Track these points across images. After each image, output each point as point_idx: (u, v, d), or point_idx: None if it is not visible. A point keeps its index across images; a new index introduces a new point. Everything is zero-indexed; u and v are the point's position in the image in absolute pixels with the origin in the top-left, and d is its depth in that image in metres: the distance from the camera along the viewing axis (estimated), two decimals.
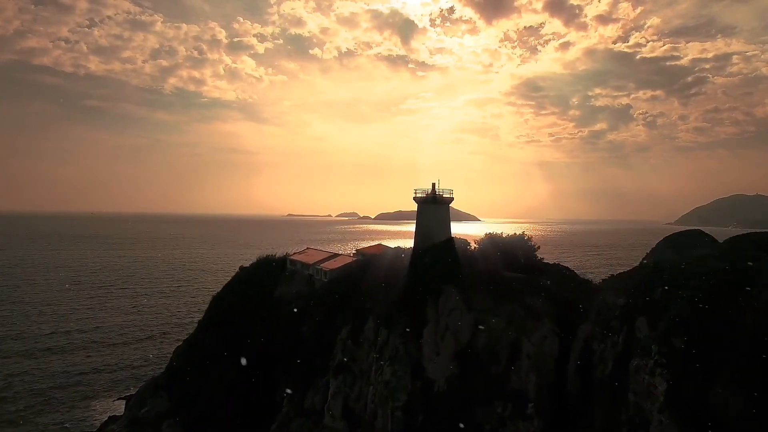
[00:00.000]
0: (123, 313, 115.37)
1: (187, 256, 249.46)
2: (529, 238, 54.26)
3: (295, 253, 62.04)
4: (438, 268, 37.57)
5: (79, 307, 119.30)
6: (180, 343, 67.09)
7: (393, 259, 45.60)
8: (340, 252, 60.88)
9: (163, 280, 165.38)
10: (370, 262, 46.74)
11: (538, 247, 54.98)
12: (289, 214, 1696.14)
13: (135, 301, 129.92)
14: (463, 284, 36.51)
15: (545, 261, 56.24)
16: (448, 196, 44.85)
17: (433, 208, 44.04)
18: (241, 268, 62.46)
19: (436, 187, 44.47)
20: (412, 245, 58.51)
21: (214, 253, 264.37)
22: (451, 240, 42.55)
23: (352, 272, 46.08)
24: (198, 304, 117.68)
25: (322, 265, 51.86)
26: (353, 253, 66.61)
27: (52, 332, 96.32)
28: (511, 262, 49.68)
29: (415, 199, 45.26)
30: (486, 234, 57.09)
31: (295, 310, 46.77)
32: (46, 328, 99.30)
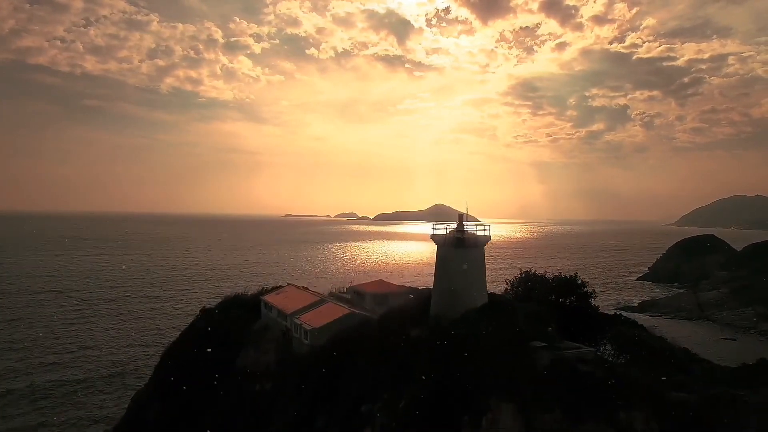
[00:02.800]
0: (96, 337, 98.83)
1: (180, 260, 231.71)
2: (583, 282, 40.50)
3: (271, 293, 47.91)
4: (476, 364, 23.49)
5: (44, 332, 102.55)
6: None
7: (403, 319, 31.47)
8: (327, 297, 46.15)
9: (149, 292, 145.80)
10: (371, 322, 32.54)
11: (594, 295, 41.23)
12: (288, 215, 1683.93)
13: (112, 322, 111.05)
14: (516, 387, 22.56)
15: (598, 307, 42.69)
16: (483, 233, 30.62)
17: (462, 254, 29.03)
18: (203, 311, 48.38)
19: (465, 218, 29.85)
20: (417, 286, 44.97)
21: (207, 258, 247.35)
22: (493, 307, 28.09)
23: (343, 334, 32.00)
24: (182, 326, 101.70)
25: (302, 317, 37.90)
26: (346, 289, 52.68)
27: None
28: (558, 312, 36.26)
29: (433, 238, 30.83)
30: (522, 271, 43.43)
31: (258, 385, 32.80)
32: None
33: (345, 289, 52.69)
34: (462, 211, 32.01)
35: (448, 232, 30.13)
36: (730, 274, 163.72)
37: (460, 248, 29.57)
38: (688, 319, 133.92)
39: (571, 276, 40.31)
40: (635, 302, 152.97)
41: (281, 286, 51.29)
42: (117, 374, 79.73)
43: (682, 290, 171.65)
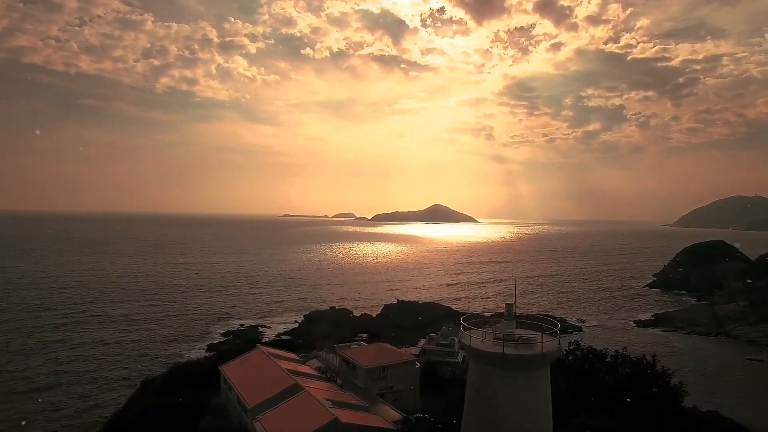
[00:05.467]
0: (60, 370, 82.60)
1: (175, 267, 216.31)
2: (665, 369, 29.88)
3: (234, 360, 37.14)
4: None
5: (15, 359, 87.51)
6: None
7: None
8: (304, 378, 35.45)
9: (136, 308, 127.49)
10: None
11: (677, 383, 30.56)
12: (286, 215, 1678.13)
13: (87, 349, 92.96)
14: None
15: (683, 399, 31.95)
16: (550, 338, 17.06)
17: (519, 382, 16.58)
18: (144, 385, 38.28)
19: (513, 312, 17.98)
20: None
21: (202, 262, 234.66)
22: None
23: None
24: (161, 355, 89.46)
25: (265, 420, 27.57)
26: (337, 346, 42.76)
27: None
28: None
29: (465, 346, 18.29)
30: (571, 344, 33.18)
31: None
32: None
33: (335, 346, 42.72)
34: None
35: (487, 333, 17.32)
36: (746, 285, 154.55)
37: (515, 370, 16.58)
38: (706, 334, 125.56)
39: (648, 360, 29.88)
40: (649, 315, 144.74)
41: (247, 353, 40.39)
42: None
43: (693, 299, 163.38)
